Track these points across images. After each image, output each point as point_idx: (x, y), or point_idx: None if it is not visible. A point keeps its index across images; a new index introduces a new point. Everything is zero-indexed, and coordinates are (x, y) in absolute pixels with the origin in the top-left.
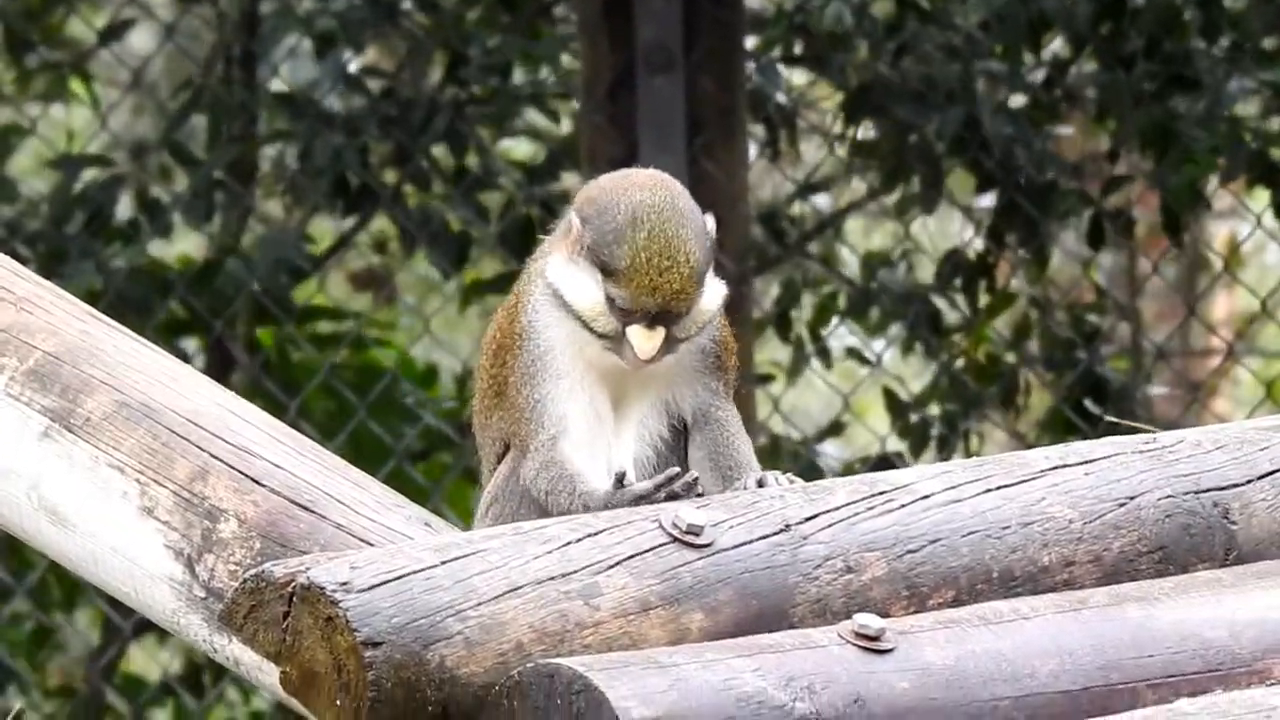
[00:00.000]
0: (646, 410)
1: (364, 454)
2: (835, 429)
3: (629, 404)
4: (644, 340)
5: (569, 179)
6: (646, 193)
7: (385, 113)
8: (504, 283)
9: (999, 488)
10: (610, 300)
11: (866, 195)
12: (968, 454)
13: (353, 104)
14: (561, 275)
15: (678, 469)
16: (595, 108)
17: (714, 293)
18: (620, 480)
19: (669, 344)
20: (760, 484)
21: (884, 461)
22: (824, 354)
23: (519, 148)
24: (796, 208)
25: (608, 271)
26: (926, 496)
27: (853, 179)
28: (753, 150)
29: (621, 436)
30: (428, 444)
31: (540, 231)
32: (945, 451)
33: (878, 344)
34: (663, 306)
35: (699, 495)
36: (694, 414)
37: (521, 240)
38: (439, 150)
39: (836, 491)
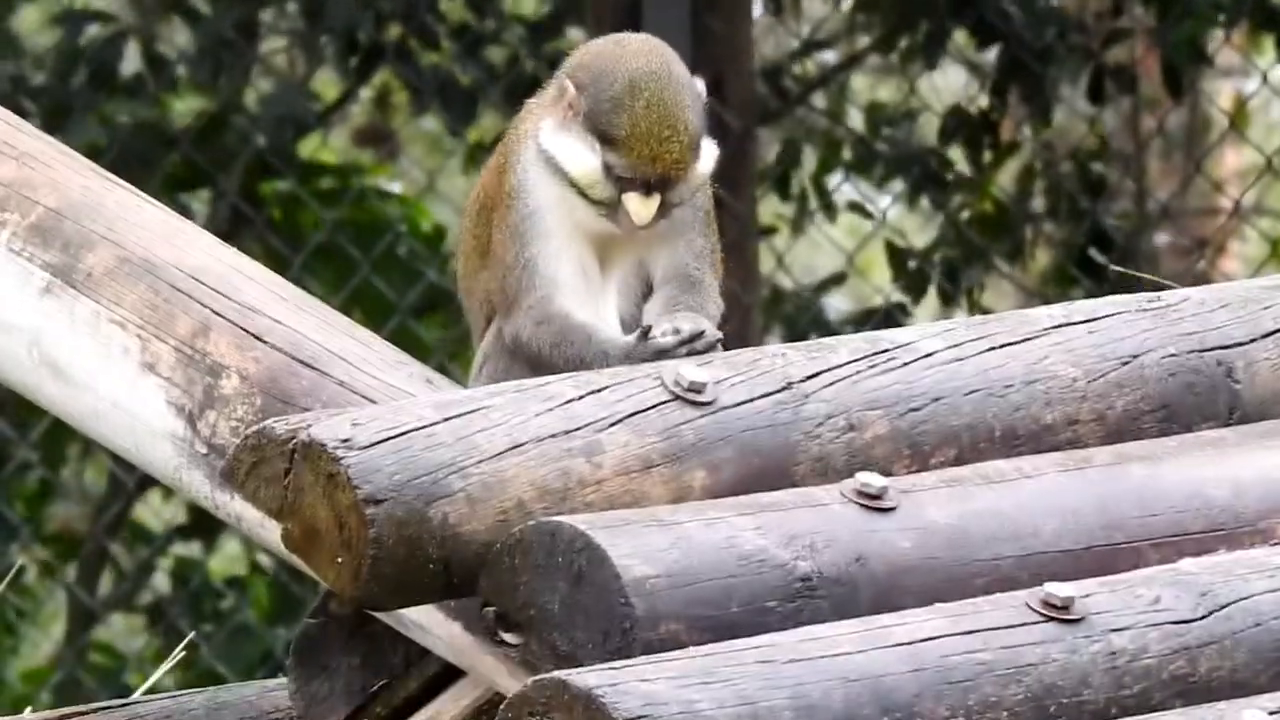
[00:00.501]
0: (628, 270)
1: (368, 310)
2: (837, 280)
3: (612, 264)
4: (641, 207)
5: (574, 35)
6: (643, 59)
7: None
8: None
9: (1002, 346)
10: (607, 168)
11: (869, 47)
12: (972, 308)
13: None
14: (555, 141)
15: (701, 327)
16: None
17: (707, 158)
18: (645, 334)
19: (663, 209)
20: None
21: (887, 315)
22: (828, 208)
23: (523, 2)
24: (799, 67)
25: (606, 140)
26: (929, 354)
27: (857, 37)
28: (757, 7)
29: (607, 295)
30: (433, 300)
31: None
32: (949, 307)
33: (882, 201)
34: (662, 174)
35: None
36: (666, 270)
37: (527, 97)
38: (447, 5)
39: (838, 349)
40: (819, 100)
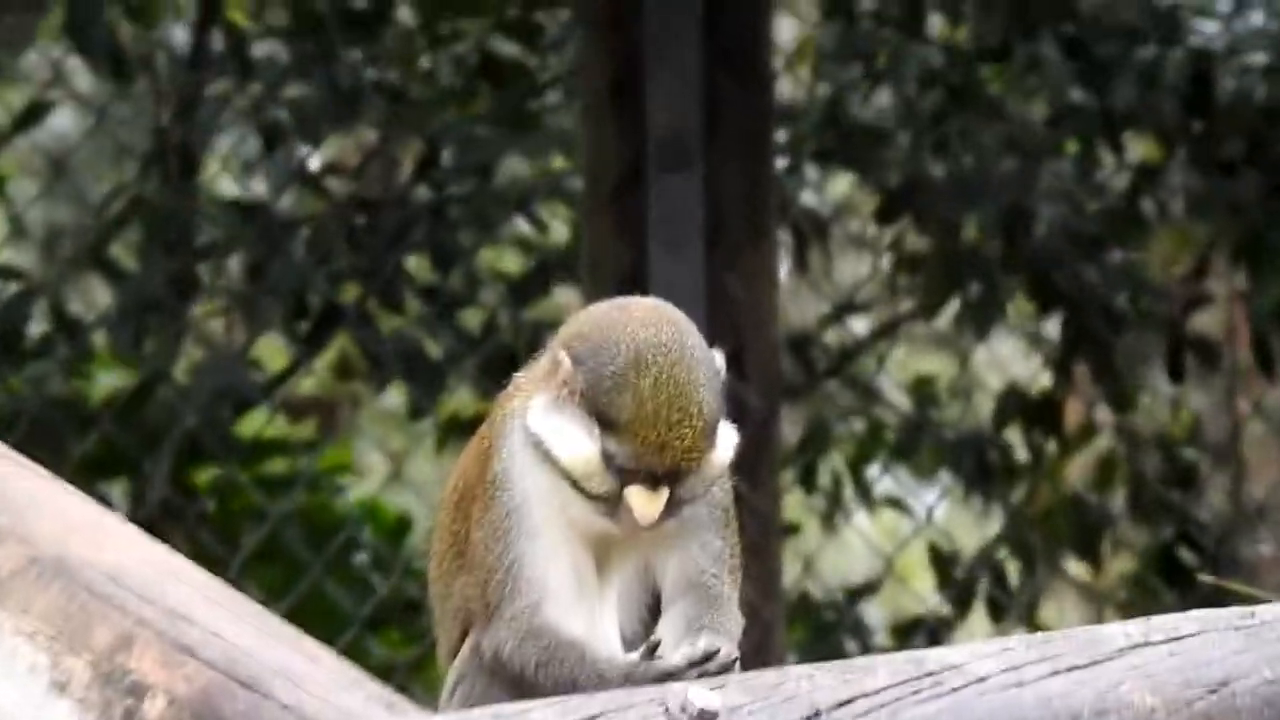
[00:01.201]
0: (631, 575)
1: (317, 620)
2: (872, 588)
3: (612, 568)
4: (645, 504)
5: (562, 295)
6: (650, 329)
7: (349, 219)
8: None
9: (1068, 670)
10: (607, 457)
11: (910, 313)
12: (1032, 623)
13: (306, 205)
14: (546, 424)
15: (717, 644)
16: (599, 208)
17: (726, 445)
18: (651, 651)
19: (672, 506)
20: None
21: (932, 631)
22: (866, 499)
23: (506, 259)
24: (832, 334)
25: (606, 424)
26: (983, 679)
27: (898, 301)
28: (782, 267)
29: (605, 604)
30: (392, 610)
31: (528, 357)
32: (1003, 621)
33: (925, 494)
34: (672, 466)
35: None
36: (677, 578)
37: (507, 368)
38: (414, 262)
39: (876, 671)
40: (851, 375)
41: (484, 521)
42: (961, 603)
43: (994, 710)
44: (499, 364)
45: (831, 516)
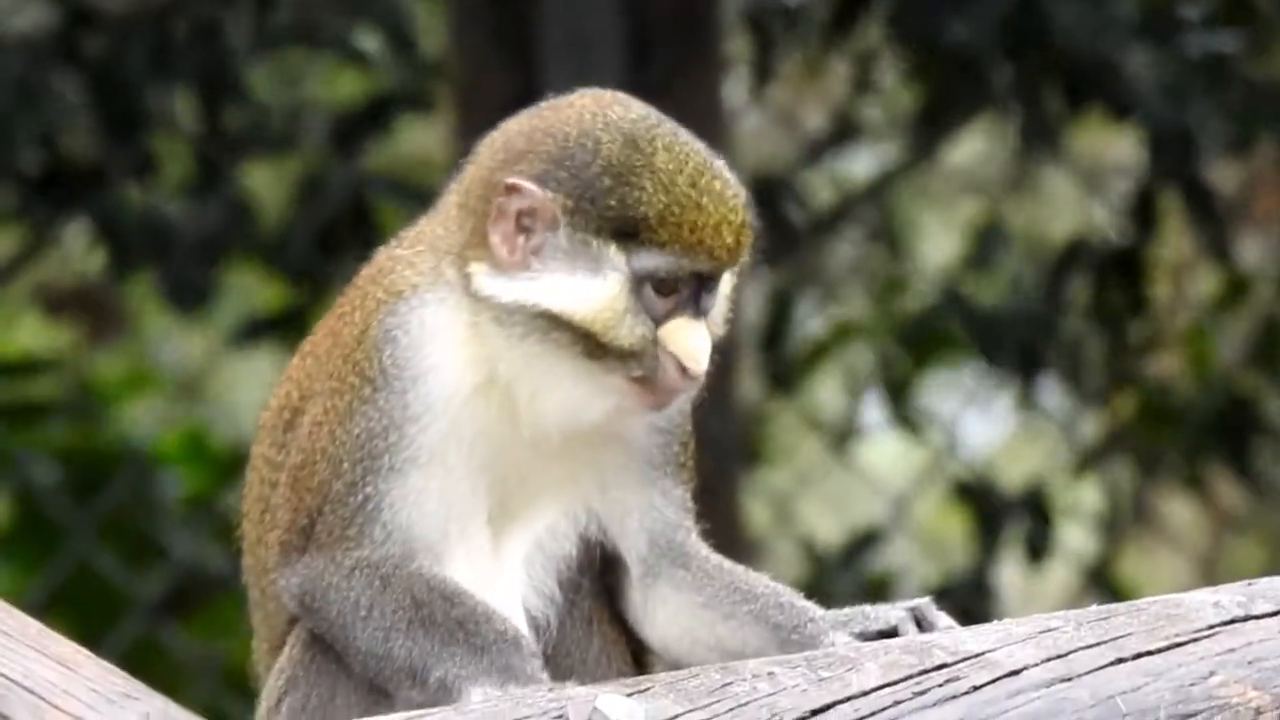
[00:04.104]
0: (547, 524)
1: (81, 608)
2: (867, 541)
3: (516, 511)
4: (693, 339)
5: (415, 137)
6: (616, 108)
7: (75, 39)
8: (300, 319)
9: (1136, 656)
10: (640, 280)
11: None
12: (1103, 588)
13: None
14: (517, 286)
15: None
16: (471, 17)
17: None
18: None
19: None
20: (893, 630)
21: (965, 601)
22: (898, 400)
23: (336, 85)
24: (815, 176)
25: (626, 232)
26: (1015, 672)
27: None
28: (737, 94)
29: (503, 564)
30: (193, 588)
31: (366, 222)
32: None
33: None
34: (734, 246)
35: None
36: (647, 538)
37: (333, 237)
38: (177, 100)
39: (863, 666)
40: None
41: (339, 431)
42: (993, 551)
43: (1034, 714)
44: (329, 233)
45: (836, 441)
